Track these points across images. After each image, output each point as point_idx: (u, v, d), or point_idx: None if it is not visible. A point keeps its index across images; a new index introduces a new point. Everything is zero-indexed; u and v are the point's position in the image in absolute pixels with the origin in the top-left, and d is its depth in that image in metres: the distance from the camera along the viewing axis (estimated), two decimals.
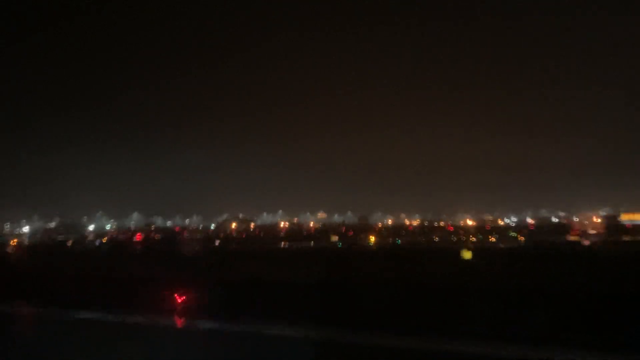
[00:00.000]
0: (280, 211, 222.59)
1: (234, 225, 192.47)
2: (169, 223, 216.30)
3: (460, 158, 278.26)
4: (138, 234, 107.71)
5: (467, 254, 29.48)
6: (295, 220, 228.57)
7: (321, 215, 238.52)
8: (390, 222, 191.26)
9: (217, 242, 68.22)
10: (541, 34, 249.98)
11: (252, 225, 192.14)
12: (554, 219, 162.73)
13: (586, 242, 57.58)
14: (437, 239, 76.38)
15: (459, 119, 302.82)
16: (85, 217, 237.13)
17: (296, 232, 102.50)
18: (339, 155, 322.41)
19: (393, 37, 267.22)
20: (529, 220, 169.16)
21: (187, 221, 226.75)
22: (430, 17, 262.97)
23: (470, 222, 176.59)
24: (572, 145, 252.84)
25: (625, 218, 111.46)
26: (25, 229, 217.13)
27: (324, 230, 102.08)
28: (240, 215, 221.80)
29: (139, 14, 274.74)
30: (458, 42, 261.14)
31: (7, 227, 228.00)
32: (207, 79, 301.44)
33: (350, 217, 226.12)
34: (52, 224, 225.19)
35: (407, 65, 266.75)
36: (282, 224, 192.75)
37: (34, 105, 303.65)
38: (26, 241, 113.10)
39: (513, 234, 75.26)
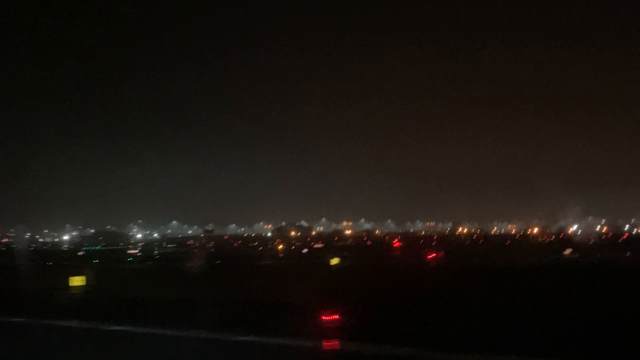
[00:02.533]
0: (323, 219, 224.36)
1: (292, 233, 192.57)
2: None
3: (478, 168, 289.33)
4: (395, 240, 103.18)
5: None
6: (320, 228, 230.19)
7: (346, 223, 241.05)
8: (462, 230, 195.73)
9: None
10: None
11: (313, 232, 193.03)
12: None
13: None
14: None
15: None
16: (109, 225, 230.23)
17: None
18: (362, 163, 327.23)
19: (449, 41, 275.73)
20: (601, 229, 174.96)
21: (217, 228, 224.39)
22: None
23: (535, 230, 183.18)
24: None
25: None
26: (65, 237, 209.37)
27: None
28: (283, 223, 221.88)
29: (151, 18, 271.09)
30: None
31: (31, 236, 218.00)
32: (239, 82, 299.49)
33: (390, 225, 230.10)
34: (88, 233, 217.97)
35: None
36: (347, 232, 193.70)
37: (49, 109, 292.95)
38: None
39: None
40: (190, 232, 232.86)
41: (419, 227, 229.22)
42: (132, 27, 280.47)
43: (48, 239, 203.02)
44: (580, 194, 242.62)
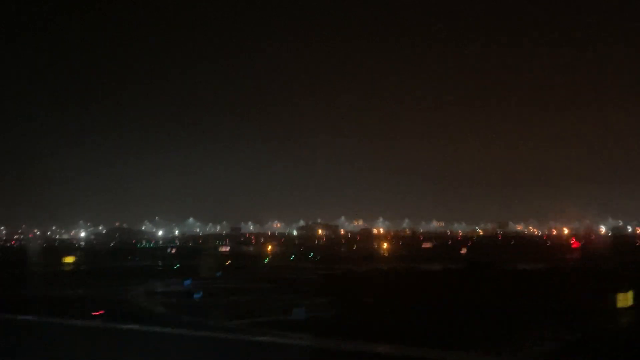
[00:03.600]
0: (342, 217, 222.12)
1: (320, 232, 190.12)
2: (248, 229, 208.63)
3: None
4: (573, 239, 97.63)
5: None
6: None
7: (356, 223, 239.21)
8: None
9: None
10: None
11: (342, 231, 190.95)
12: None
13: None
14: None
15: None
16: (118, 222, 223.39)
17: None
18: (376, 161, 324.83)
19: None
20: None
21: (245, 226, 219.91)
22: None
23: (566, 230, 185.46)
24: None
25: None
26: (82, 234, 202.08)
27: None
28: (302, 222, 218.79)
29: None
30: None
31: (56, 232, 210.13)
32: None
33: (407, 225, 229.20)
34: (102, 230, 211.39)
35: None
36: (377, 231, 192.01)
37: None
38: None
39: None
40: (198, 229, 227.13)
41: (433, 226, 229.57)
42: (146, 26, 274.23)
43: (64, 236, 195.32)
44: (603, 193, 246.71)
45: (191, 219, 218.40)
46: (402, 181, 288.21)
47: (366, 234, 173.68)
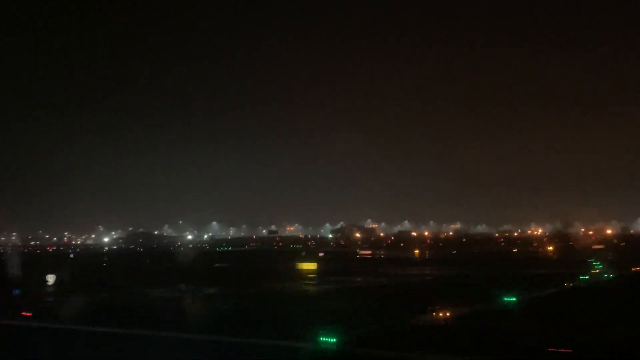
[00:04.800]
0: (369, 220, 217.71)
1: (357, 234, 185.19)
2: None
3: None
4: None
5: None
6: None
7: (372, 224, 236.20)
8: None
9: None
10: None
11: (381, 234, 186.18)
12: None
13: None
14: None
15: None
16: (130, 228, 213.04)
17: None
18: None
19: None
20: None
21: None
22: None
23: (610, 231, 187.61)
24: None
25: None
26: (106, 239, 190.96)
27: None
28: (328, 225, 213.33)
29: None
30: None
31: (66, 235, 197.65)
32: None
33: (432, 227, 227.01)
34: (117, 235, 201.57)
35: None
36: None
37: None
38: None
39: None
40: (211, 233, 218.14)
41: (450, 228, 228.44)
42: (146, 26, 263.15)
43: (89, 242, 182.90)
44: None
45: (214, 223, 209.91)
46: (411, 183, 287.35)
47: (404, 237, 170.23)
